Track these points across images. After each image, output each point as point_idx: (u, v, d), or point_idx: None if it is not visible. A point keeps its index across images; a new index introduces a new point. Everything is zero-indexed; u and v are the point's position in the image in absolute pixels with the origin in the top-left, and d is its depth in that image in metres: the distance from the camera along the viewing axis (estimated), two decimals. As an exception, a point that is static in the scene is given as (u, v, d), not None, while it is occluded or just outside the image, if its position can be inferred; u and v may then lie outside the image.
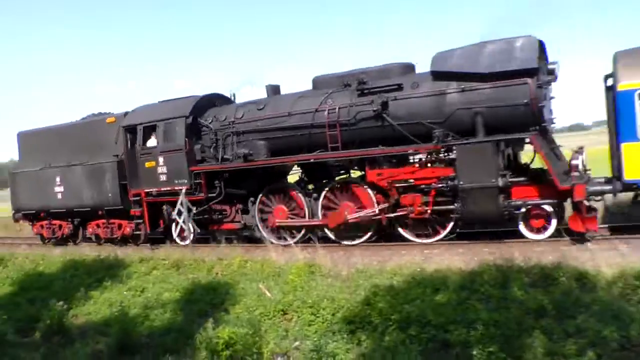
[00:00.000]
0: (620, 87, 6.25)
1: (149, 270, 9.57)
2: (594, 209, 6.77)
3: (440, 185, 7.18)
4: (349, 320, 6.13)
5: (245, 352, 6.05)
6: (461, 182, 6.87)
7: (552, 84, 7.23)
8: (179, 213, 9.35)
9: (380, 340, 5.84)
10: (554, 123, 7.61)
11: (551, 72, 7.03)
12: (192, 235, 9.69)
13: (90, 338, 7.32)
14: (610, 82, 6.51)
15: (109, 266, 10.17)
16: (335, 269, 6.59)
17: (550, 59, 7.19)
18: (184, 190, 9.02)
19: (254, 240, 9.46)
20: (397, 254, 7.55)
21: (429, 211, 7.31)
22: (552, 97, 7.39)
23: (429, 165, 7.37)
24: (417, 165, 7.35)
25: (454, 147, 6.87)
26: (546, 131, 7.07)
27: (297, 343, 6.35)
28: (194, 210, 9.21)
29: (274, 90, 9.32)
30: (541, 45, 6.96)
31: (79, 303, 8.86)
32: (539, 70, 6.56)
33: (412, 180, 7.44)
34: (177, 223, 9.66)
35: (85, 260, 10.71)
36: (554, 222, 6.85)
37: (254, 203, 9.00)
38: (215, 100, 9.86)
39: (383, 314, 6.00)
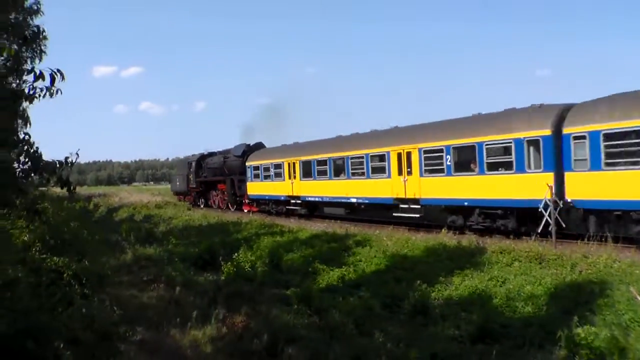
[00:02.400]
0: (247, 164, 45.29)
1: (510, 261, 16.25)
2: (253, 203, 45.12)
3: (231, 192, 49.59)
4: None
5: (610, 356, 10.28)
6: (225, 191, 50.80)
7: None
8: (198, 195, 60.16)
9: None
10: (243, 173, 46.11)
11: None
12: (202, 205, 56.24)
13: (450, 321, 13.12)
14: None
15: (470, 254, 17.29)
16: None
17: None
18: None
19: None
20: None
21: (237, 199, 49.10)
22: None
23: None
24: (225, 184, 50.25)
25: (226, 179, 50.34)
26: (242, 176, 46.01)
27: (670, 356, 9.98)
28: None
29: (223, 152, 53.58)
30: (260, 144, 48.05)
31: (440, 287, 15.47)
32: (244, 152, 46.27)
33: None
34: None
35: (447, 247, 18.75)
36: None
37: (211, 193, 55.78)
38: (213, 154, 55.09)
39: None
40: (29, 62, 10.93)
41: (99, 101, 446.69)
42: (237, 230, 31.36)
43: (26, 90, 6.90)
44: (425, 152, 25.63)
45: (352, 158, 31.26)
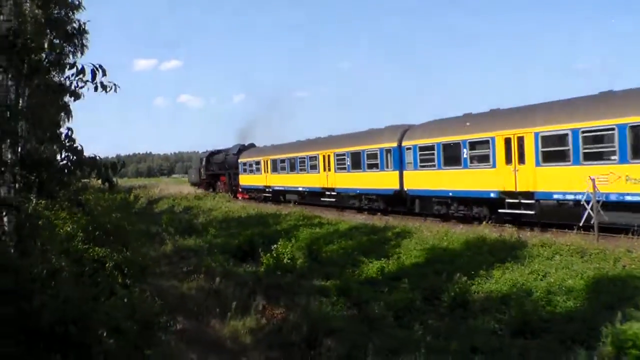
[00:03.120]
0: (240, 160, 59.64)
1: (551, 255, 16.15)
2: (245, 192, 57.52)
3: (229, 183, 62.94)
4: None
5: (659, 354, 10.13)
6: (225, 182, 63.96)
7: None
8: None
9: None
10: (237, 168, 58.92)
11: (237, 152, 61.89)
12: (210, 190, 67.06)
13: (490, 315, 13.08)
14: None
15: (511, 247, 17.25)
16: None
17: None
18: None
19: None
20: None
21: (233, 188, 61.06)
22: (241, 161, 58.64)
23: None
24: (225, 176, 63.54)
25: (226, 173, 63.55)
26: (237, 170, 58.29)
27: None
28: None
29: (225, 150, 66.65)
30: (252, 144, 62.26)
31: (480, 280, 15.44)
32: (239, 151, 59.21)
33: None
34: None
35: (487, 240, 18.81)
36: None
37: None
38: (219, 151, 67.86)
39: None
40: (70, 56, 11.14)
41: (139, 94, 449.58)
42: (276, 222, 31.61)
43: (73, 85, 7.11)
44: (337, 155, 37.22)
45: (299, 158, 43.19)
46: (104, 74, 6.91)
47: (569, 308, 12.55)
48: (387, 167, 31.54)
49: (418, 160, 28.86)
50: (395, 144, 30.99)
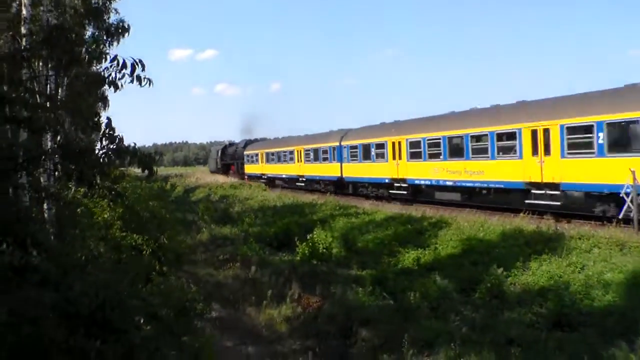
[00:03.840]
0: (245, 152, 75.92)
1: (589, 247, 15.87)
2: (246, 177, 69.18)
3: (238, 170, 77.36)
4: None
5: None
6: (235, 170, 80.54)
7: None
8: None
9: None
10: (244, 159, 72.05)
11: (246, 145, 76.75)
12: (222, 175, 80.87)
13: (527, 307, 12.96)
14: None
15: (548, 239, 16.99)
16: None
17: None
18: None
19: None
20: None
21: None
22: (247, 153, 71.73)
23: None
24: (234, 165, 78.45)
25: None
26: (244, 160, 72.91)
27: None
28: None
29: (235, 144, 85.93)
30: (256, 139, 78.91)
31: (517, 272, 15.29)
32: (246, 145, 74.71)
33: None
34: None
35: (524, 231, 18.62)
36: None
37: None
38: (232, 144, 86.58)
39: None
40: (107, 45, 11.34)
41: (176, 84, 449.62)
42: (311, 211, 31.62)
43: (112, 76, 7.22)
44: (305, 150, 47.86)
45: (283, 152, 54.15)
46: (143, 69, 7.04)
47: (607, 302, 12.34)
48: (333, 160, 42.27)
49: (350, 156, 39.79)
50: (337, 143, 41.72)
